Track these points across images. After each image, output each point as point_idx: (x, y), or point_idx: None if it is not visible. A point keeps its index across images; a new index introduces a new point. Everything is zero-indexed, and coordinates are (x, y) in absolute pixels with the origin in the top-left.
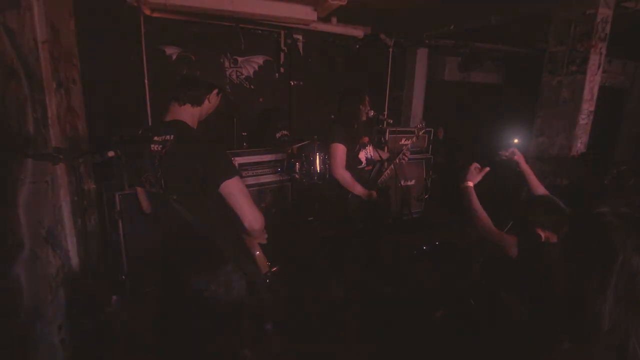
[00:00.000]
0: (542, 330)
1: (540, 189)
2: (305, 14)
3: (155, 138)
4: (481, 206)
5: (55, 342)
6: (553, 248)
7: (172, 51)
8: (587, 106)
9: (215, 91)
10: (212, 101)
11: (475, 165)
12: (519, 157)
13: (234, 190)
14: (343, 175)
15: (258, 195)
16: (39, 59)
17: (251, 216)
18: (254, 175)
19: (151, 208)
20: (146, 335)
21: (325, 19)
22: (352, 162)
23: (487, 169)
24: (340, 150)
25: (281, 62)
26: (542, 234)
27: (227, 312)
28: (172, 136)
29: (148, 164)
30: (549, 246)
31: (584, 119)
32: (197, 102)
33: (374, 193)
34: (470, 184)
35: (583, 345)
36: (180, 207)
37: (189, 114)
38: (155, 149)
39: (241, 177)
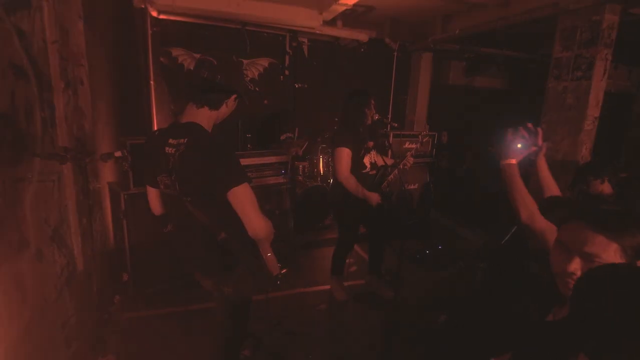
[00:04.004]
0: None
1: (554, 188)
2: (310, 17)
3: (170, 141)
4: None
5: (59, 340)
6: None
7: (178, 53)
8: (593, 112)
9: (234, 96)
10: (229, 106)
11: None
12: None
13: (241, 198)
14: (348, 179)
15: (261, 197)
16: (48, 59)
17: (256, 224)
18: (257, 177)
19: (163, 210)
20: (149, 334)
21: (330, 23)
22: (356, 166)
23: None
24: (345, 154)
25: (286, 65)
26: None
27: (235, 312)
28: (185, 139)
29: (163, 165)
30: None
31: (589, 125)
32: (215, 105)
33: (379, 197)
34: (514, 161)
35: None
36: (194, 208)
37: (205, 116)
38: (170, 151)
39: (250, 183)
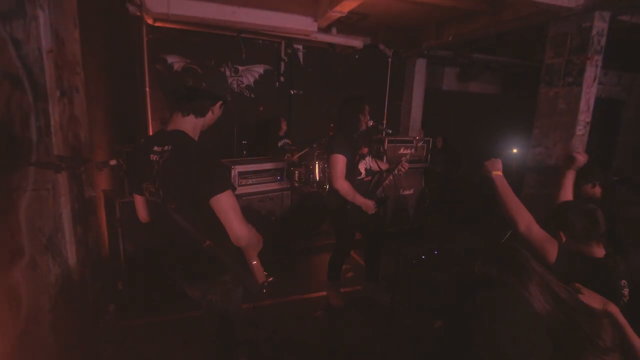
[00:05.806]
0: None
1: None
2: (306, 24)
3: (155, 148)
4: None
5: (53, 350)
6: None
7: (173, 60)
8: (584, 117)
9: (220, 103)
10: (215, 112)
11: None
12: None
13: (223, 205)
14: (343, 185)
15: (257, 203)
16: (44, 68)
17: (238, 232)
18: (253, 184)
19: (149, 217)
20: (144, 343)
21: (325, 30)
22: (351, 172)
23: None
24: (340, 161)
25: (281, 72)
26: (563, 237)
27: (224, 320)
28: (169, 147)
29: (147, 173)
30: (595, 261)
31: (581, 130)
32: (201, 113)
33: (374, 204)
34: (501, 173)
35: None
36: (178, 216)
37: (191, 124)
38: (154, 159)
39: (234, 190)
